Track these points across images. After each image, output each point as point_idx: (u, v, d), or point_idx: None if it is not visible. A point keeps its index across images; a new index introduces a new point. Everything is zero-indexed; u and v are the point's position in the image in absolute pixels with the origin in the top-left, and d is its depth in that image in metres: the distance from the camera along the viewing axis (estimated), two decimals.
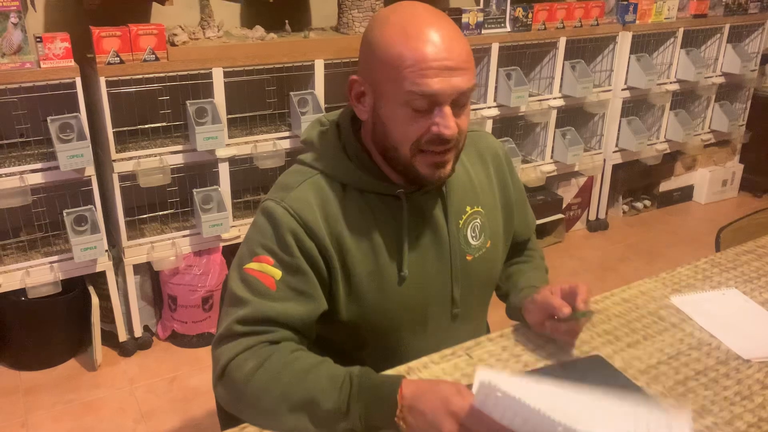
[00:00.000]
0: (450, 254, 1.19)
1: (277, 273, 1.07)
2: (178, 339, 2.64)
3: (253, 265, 1.08)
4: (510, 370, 1.16)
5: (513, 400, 0.86)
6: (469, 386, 1.06)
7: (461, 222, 1.21)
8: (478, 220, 1.23)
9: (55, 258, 2.33)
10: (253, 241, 1.11)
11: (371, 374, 1.00)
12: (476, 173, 1.25)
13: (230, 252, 2.62)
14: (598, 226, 3.70)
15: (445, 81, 1.00)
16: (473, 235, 1.22)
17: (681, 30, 3.54)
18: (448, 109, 1.02)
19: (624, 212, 3.91)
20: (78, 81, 2.18)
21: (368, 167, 1.13)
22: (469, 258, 1.22)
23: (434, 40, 1.00)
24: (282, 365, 1.02)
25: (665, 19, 3.48)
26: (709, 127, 3.95)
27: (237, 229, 2.59)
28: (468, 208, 1.22)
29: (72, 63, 2.18)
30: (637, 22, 3.38)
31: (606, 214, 3.78)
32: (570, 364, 1.16)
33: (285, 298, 1.07)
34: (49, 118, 2.19)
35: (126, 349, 2.55)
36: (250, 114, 2.69)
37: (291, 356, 1.04)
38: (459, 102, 1.04)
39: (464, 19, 2.87)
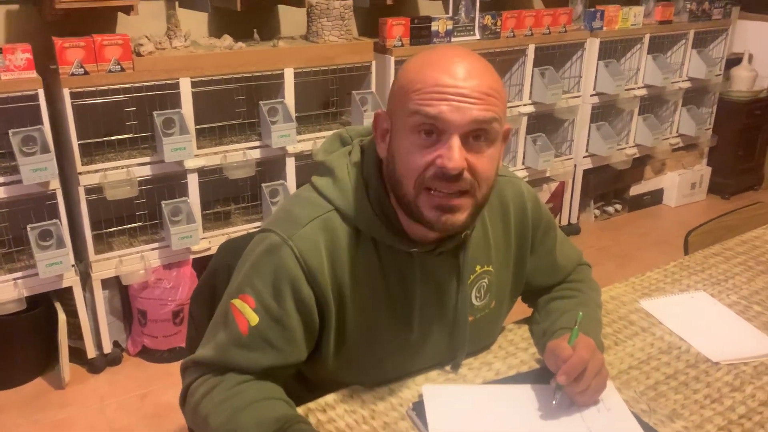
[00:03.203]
0: (456, 317, 1.12)
1: (254, 318, 1.01)
2: (148, 354, 2.58)
3: (236, 302, 1.03)
4: (472, 382, 1.15)
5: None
6: (418, 403, 1.06)
7: (468, 282, 1.12)
8: (486, 280, 1.15)
9: (19, 274, 2.27)
10: (247, 276, 1.04)
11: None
12: (494, 228, 1.15)
13: (200, 264, 2.58)
14: (570, 230, 3.73)
15: (453, 106, 0.92)
16: (477, 295, 1.14)
17: (647, 36, 3.59)
18: (456, 141, 0.92)
19: (596, 216, 3.95)
20: (40, 93, 2.14)
21: (387, 215, 1.03)
22: (470, 319, 1.14)
23: (450, 69, 0.94)
24: (222, 398, 1.00)
25: (632, 25, 3.52)
26: (677, 131, 4.01)
27: (207, 241, 2.56)
28: (478, 268, 1.13)
29: (34, 74, 2.13)
30: (605, 28, 3.43)
31: (578, 218, 3.81)
32: (525, 375, 1.16)
33: (252, 347, 1.01)
34: (10, 131, 2.13)
35: (95, 366, 2.50)
36: (219, 124, 2.66)
37: (234, 389, 1.01)
38: (475, 139, 0.94)
39: (434, 27, 2.87)
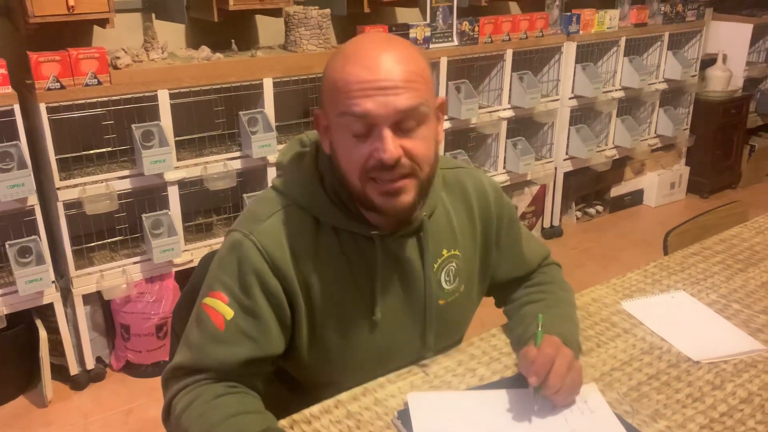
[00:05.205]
0: (424, 299, 1.15)
1: (229, 312, 1.03)
2: (132, 369, 2.56)
3: (208, 301, 1.06)
4: (456, 389, 1.15)
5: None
6: (403, 411, 1.06)
7: (436, 266, 1.15)
8: (454, 264, 1.17)
9: None
10: (214, 275, 1.07)
11: None
12: (457, 214, 1.19)
13: (183, 277, 2.56)
14: (552, 233, 3.75)
15: (378, 101, 0.95)
16: (447, 279, 1.17)
17: (623, 39, 3.63)
18: (386, 132, 0.96)
19: (577, 218, 3.98)
20: (16, 108, 2.12)
21: (344, 203, 1.07)
22: (441, 302, 1.17)
23: (370, 62, 0.97)
24: (200, 412, 1.00)
25: (607, 28, 3.57)
26: (655, 132, 4.05)
27: (189, 254, 2.54)
28: (444, 252, 1.16)
29: (9, 90, 2.11)
30: (581, 32, 3.46)
31: (560, 221, 3.83)
32: (509, 380, 1.16)
33: (231, 341, 1.03)
34: None
35: (78, 383, 2.47)
36: (199, 135, 2.65)
37: (212, 403, 1.01)
38: (404, 125, 0.98)
39: (412, 34, 2.89)
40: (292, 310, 1.07)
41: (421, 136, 1.00)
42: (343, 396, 1.12)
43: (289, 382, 1.19)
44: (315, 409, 1.10)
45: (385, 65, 0.96)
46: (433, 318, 1.16)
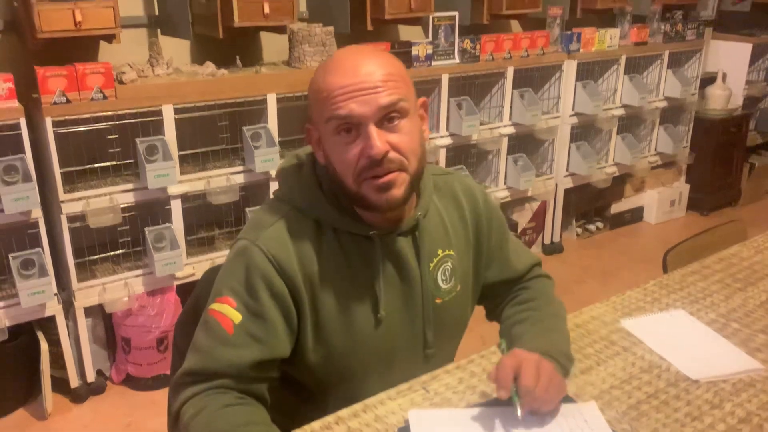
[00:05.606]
0: (422, 297, 1.19)
1: (237, 316, 1.07)
2: (133, 382, 2.56)
3: (215, 306, 1.09)
4: (456, 406, 1.16)
5: None
6: (404, 428, 1.07)
7: (432, 265, 1.20)
8: (449, 264, 1.22)
9: (0, 304, 2.25)
10: (222, 281, 1.11)
11: None
12: (449, 215, 1.24)
13: (185, 290, 2.57)
14: (553, 249, 3.76)
15: (360, 101, 1.02)
16: (443, 278, 1.21)
17: (623, 57, 3.66)
18: (371, 129, 1.03)
19: (578, 235, 3.99)
20: (22, 122, 2.14)
21: (343, 206, 1.13)
22: (438, 301, 1.21)
23: (349, 69, 1.04)
24: (208, 420, 1.02)
25: (608, 47, 3.60)
26: (655, 150, 4.07)
27: (191, 267, 2.55)
28: (440, 251, 1.21)
29: (16, 104, 2.14)
30: (582, 50, 3.49)
31: (560, 237, 3.84)
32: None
33: (240, 344, 1.06)
34: None
35: (78, 396, 2.47)
36: (203, 150, 2.67)
37: (220, 412, 1.03)
38: (388, 121, 1.05)
39: (414, 51, 2.91)
40: (297, 312, 1.11)
41: (405, 130, 1.06)
42: (344, 412, 1.13)
43: (296, 388, 1.21)
44: (316, 425, 1.11)
45: (363, 69, 1.03)
46: (431, 316, 1.20)
